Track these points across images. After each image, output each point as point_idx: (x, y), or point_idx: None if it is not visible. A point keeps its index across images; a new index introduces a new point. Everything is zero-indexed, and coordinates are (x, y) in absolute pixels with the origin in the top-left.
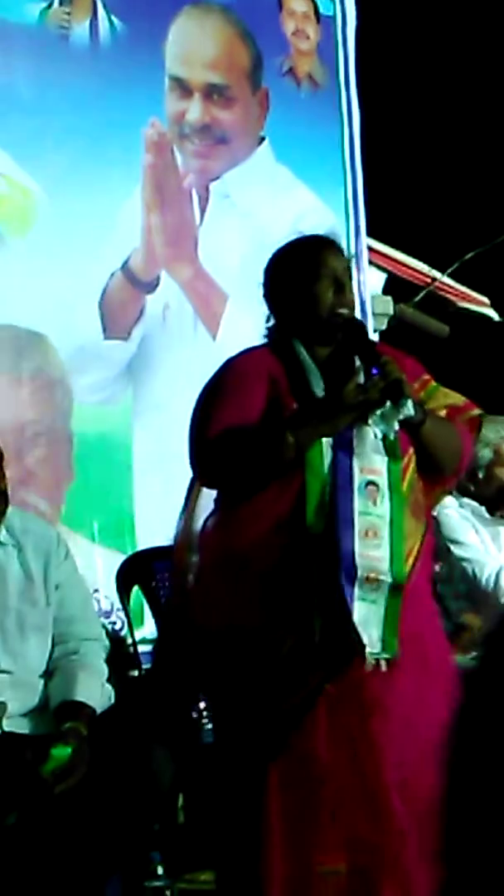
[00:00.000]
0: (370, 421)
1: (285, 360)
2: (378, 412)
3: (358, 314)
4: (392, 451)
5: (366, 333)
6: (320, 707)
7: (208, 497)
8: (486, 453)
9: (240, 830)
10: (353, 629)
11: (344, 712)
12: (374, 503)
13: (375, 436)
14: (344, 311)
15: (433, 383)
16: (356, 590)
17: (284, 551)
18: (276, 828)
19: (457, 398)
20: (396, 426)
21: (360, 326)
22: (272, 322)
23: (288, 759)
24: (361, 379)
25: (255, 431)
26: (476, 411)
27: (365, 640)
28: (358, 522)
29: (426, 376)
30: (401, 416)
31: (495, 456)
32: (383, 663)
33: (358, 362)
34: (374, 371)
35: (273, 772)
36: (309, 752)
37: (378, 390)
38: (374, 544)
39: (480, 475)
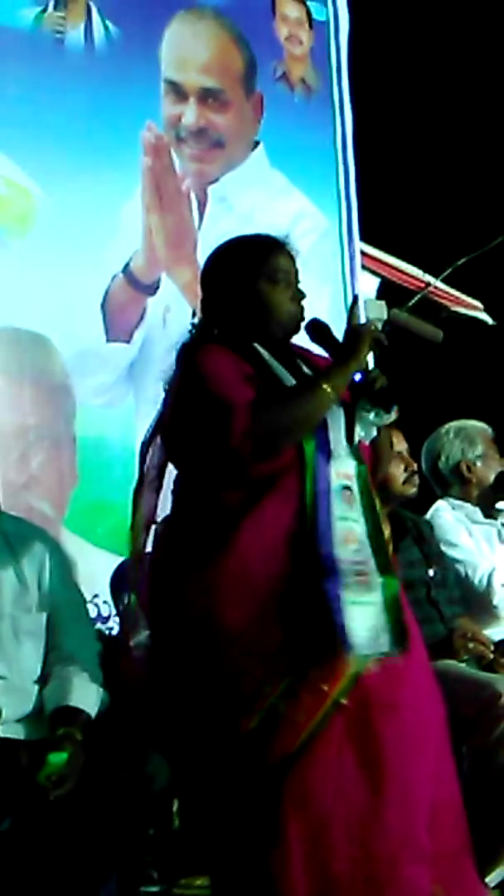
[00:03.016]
0: (357, 426)
1: (254, 365)
2: (369, 416)
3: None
4: (356, 454)
5: (334, 335)
6: (336, 719)
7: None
8: (479, 444)
9: (255, 844)
10: (339, 633)
11: (357, 721)
12: (350, 507)
13: (352, 439)
14: (298, 318)
15: None
16: (346, 594)
17: (296, 562)
18: (295, 841)
19: None
20: (374, 432)
21: (327, 328)
22: (202, 319)
23: (304, 773)
24: None
25: (290, 391)
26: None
27: (368, 641)
28: (336, 527)
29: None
30: (384, 423)
31: (486, 444)
32: (394, 661)
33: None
34: (357, 374)
35: (289, 787)
36: (326, 765)
37: (381, 385)
38: (353, 549)
39: (479, 464)
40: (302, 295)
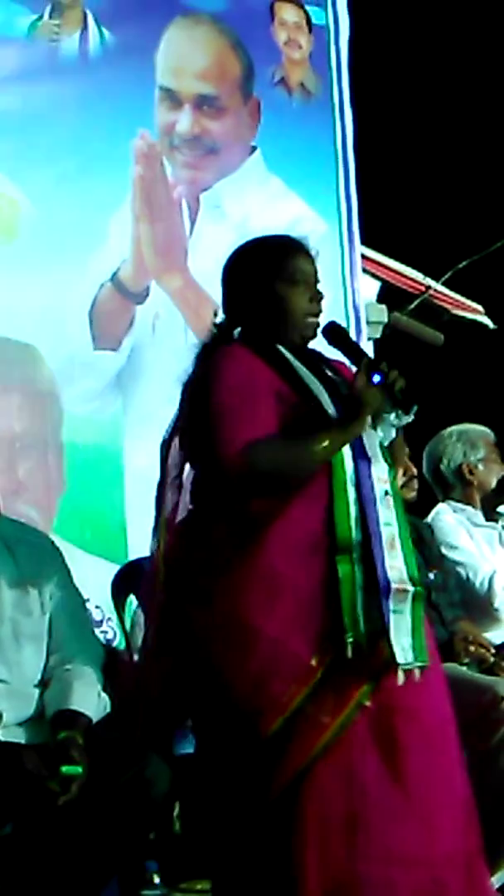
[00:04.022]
0: (378, 428)
1: (277, 368)
2: (391, 418)
3: (352, 322)
4: (387, 458)
5: (350, 338)
6: (360, 721)
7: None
8: (480, 448)
9: (270, 846)
10: (388, 642)
11: (378, 723)
12: (391, 512)
13: (381, 443)
14: (316, 319)
15: None
16: (391, 603)
17: (323, 568)
18: (313, 842)
19: None
20: (393, 434)
21: (344, 331)
22: (224, 319)
23: (323, 773)
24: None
25: (287, 438)
26: None
27: (398, 651)
28: (384, 534)
29: None
30: (404, 423)
31: (487, 447)
32: (417, 672)
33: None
34: (377, 376)
35: (307, 787)
36: (345, 764)
37: (400, 387)
38: (394, 555)
39: (481, 467)
40: (321, 296)
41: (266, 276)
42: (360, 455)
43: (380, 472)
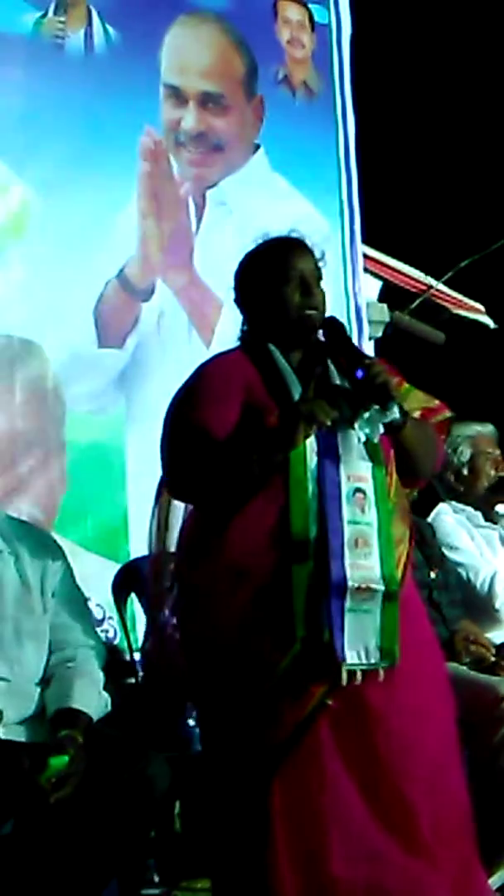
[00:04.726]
0: (356, 424)
1: (260, 364)
2: (365, 415)
3: (353, 321)
4: (375, 455)
5: (346, 333)
6: (322, 721)
7: (179, 507)
8: (465, 450)
9: (245, 844)
10: (330, 642)
11: (346, 725)
12: (362, 511)
13: (359, 440)
14: (313, 312)
15: (406, 385)
16: (347, 601)
17: (279, 560)
18: (282, 841)
19: (430, 400)
20: (381, 430)
21: (341, 326)
22: (245, 325)
23: (291, 773)
24: (336, 380)
25: (222, 451)
26: (448, 413)
27: (359, 651)
28: (347, 532)
29: (397, 378)
30: (387, 420)
31: (474, 449)
32: (381, 673)
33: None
34: (359, 372)
35: (277, 786)
36: (313, 765)
37: (380, 382)
38: (364, 553)
39: (465, 472)
40: (319, 291)
41: (259, 276)
42: (328, 453)
43: (353, 469)
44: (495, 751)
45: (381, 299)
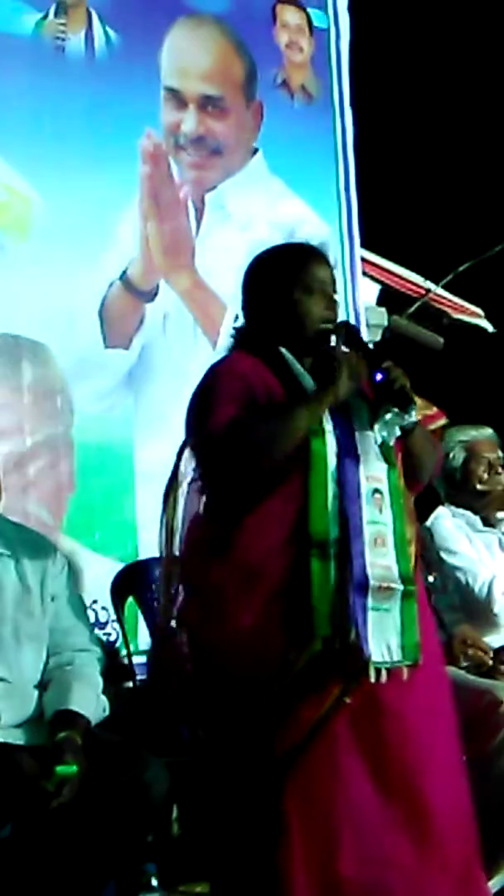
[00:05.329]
0: (375, 426)
1: (276, 369)
2: (386, 417)
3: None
4: (389, 457)
5: (362, 337)
6: (339, 719)
7: (188, 507)
8: (458, 455)
9: (256, 844)
10: (356, 641)
11: (362, 723)
12: (380, 511)
13: (376, 441)
14: (332, 325)
15: None
16: (369, 600)
17: (297, 560)
18: (296, 840)
19: (429, 406)
20: (398, 432)
21: (356, 330)
22: (243, 324)
23: (306, 772)
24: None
25: (266, 410)
26: (444, 420)
27: (375, 649)
28: (368, 531)
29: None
30: (405, 423)
31: (468, 454)
32: (405, 671)
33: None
34: (379, 375)
35: (291, 785)
36: (328, 764)
37: (399, 385)
38: (382, 553)
39: (458, 477)
40: (336, 304)
41: (283, 283)
42: (348, 453)
43: (371, 470)
44: (494, 754)
45: (379, 303)
